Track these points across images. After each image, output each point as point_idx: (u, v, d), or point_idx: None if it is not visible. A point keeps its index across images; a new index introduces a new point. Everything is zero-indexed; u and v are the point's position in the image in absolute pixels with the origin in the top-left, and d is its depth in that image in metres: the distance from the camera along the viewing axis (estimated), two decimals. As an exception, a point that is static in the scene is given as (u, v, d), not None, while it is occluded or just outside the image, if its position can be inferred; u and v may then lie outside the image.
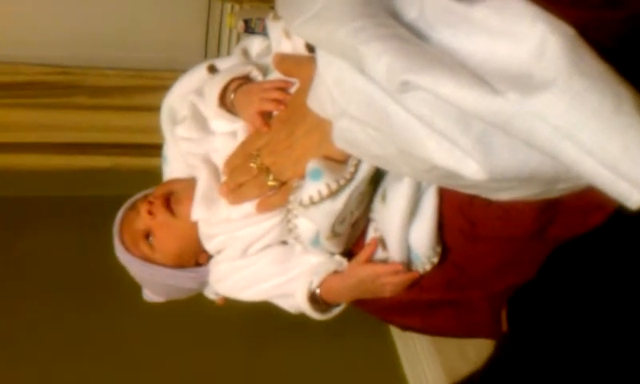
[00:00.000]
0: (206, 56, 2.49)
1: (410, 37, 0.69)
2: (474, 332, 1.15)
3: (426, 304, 1.10)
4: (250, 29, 2.34)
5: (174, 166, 1.18)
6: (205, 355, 2.21)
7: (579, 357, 0.87)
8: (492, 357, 0.97)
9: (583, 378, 0.85)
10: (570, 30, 0.62)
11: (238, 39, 2.37)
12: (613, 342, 0.87)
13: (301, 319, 1.13)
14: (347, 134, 0.80)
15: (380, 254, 1.00)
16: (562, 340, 0.89)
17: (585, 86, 0.58)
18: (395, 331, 2.44)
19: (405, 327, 1.23)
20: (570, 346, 0.89)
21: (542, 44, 0.60)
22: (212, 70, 1.14)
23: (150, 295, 1.25)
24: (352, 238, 1.03)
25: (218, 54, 2.46)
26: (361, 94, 0.72)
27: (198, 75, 1.15)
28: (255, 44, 1.15)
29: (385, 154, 0.77)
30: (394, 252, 0.97)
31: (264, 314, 1.28)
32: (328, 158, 0.90)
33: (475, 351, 2.04)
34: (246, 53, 1.15)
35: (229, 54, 2.21)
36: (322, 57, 0.78)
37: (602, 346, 0.86)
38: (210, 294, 1.21)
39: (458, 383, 0.97)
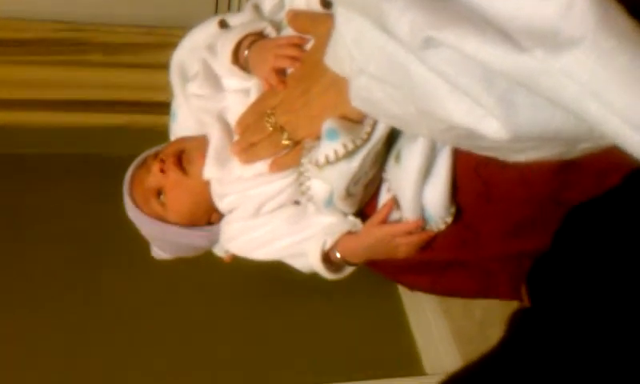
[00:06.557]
0: (216, 12, 2.46)
1: (434, -8, 0.68)
2: (484, 293, 1.16)
3: (438, 264, 1.10)
4: (262, -15, 2.31)
5: (183, 124, 1.16)
6: (212, 313, 2.24)
7: (603, 335, 0.86)
8: (508, 335, 0.97)
9: (609, 360, 0.84)
10: None
11: (249, -5, 2.34)
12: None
13: (308, 278, 1.13)
14: (365, 93, 0.78)
15: (394, 214, 1.00)
16: (586, 316, 0.88)
17: (613, 45, 0.57)
18: (403, 291, 2.46)
19: (415, 287, 1.24)
20: (595, 323, 0.88)
21: (569, 0, 0.58)
22: (223, 25, 1.12)
23: (158, 252, 1.26)
24: (365, 198, 1.03)
25: (229, 11, 2.44)
26: (381, 52, 0.70)
27: (208, 30, 1.13)
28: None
29: (403, 114, 0.76)
30: (408, 212, 0.97)
31: (272, 273, 1.28)
32: (344, 118, 0.89)
33: (482, 312, 2.06)
34: (257, 9, 1.13)
35: (240, 10, 2.19)
36: (340, 13, 0.76)
37: (630, 323, 0.85)
38: (219, 251, 1.22)
39: (471, 365, 0.96)
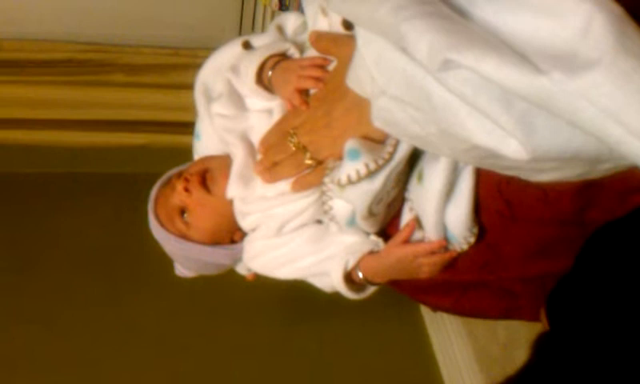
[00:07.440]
0: (240, 34, 2.48)
1: (452, 14, 0.68)
2: (507, 314, 1.15)
3: (460, 285, 1.10)
4: (284, 6, 2.33)
5: (207, 143, 1.17)
6: (235, 333, 2.23)
7: (624, 357, 0.85)
8: (533, 359, 0.96)
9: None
10: (617, 9, 0.61)
11: (273, 17, 2.36)
12: None
13: (330, 298, 1.13)
14: (386, 114, 0.79)
15: (416, 234, 1.00)
16: (607, 338, 0.87)
17: (631, 66, 0.57)
18: (426, 312, 2.44)
19: (437, 308, 1.23)
20: (615, 345, 0.86)
21: (587, 22, 0.58)
22: (247, 46, 1.13)
23: (181, 270, 1.26)
24: (387, 217, 1.03)
25: (253, 32, 2.45)
26: (401, 74, 0.71)
27: (232, 51, 1.14)
28: (290, 21, 1.14)
29: (424, 134, 0.76)
30: (431, 232, 0.97)
31: (294, 292, 1.28)
32: (366, 138, 0.90)
33: (506, 334, 2.03)
34: (281, 30, 1.14)
35: (263, 31, 2.20)
36: (361, 35, 0.77)
37: None
38: (241, 269, 1.22)
39: None
